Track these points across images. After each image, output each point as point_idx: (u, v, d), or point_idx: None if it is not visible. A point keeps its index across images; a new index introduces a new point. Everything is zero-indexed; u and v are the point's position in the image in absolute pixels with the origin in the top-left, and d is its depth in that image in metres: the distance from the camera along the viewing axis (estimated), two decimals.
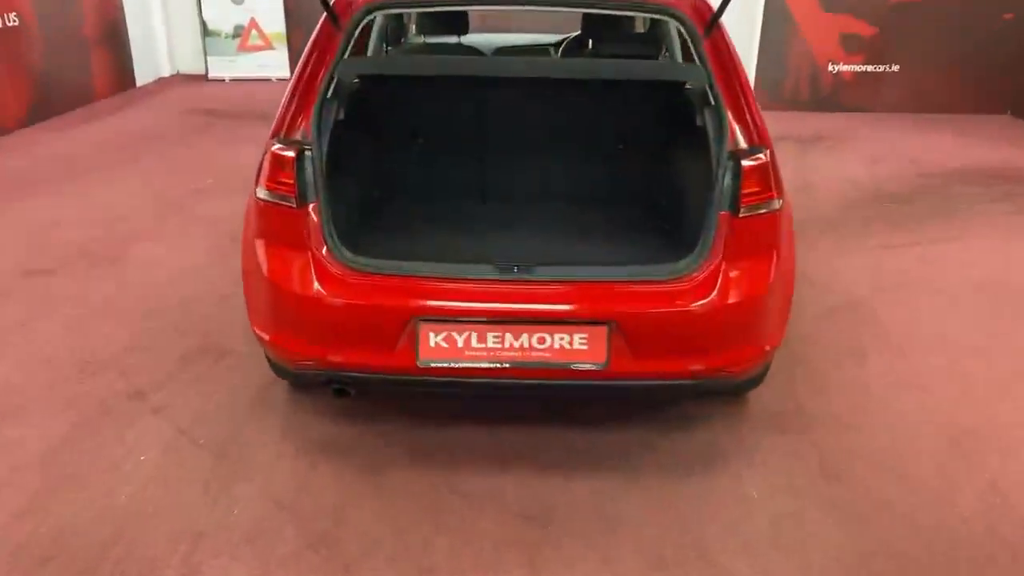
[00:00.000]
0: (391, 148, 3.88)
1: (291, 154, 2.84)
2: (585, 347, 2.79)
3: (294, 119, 2.96)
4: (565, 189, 3.91)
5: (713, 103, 2.94)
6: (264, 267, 2.94)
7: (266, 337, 3.01)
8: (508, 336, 2.79)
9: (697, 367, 2.86)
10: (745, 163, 2.81)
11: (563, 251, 3.25)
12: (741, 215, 2.82)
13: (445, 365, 2.80)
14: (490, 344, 2.79)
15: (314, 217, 2.87)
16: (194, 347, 3.98)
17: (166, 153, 7.59)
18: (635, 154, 3.84)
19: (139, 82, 10.75)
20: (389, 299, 2.79)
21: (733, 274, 2.86)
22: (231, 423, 3.40)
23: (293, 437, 3.32)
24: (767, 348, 2.97)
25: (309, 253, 2.88)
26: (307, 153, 2.87)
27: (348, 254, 2.87)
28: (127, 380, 3.72)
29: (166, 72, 11.49)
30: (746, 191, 2.80)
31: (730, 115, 2.93)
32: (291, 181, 2.83)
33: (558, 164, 3.87)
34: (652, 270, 2.87)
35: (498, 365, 2.80)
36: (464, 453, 3.22)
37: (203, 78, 11.34)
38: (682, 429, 3.36)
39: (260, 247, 2.98)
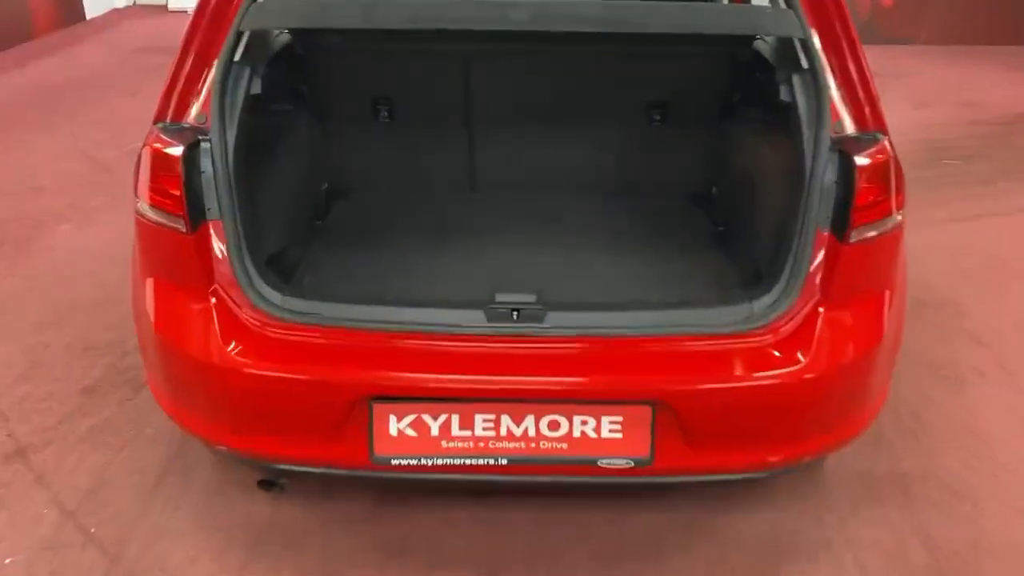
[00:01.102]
0: (343, 128, 2.94)
1: (176, 150, 1.89)
2: (619, 435, 1.91)
3: (185, 96, 2.00)
4: (580, 177, 2.98)
5: (808, 66, 1.98)
6: (150, 315, 2.03)
7: (162, 406, 2.13)
8: (506, 420, 1.91)
9: (777, 457, 1.99)
10: (859, 159, 1.87)
11: (583, 279, 2.34)
12: (853, 240, 1.89)
13: (412, 462, 1.92)
14: (479, 431, 1.92)
15: (217, 241, 1.95)
16: (102, 374, 3.09)
17: (108, 103, 6.52)
18: (676, 131, 2.89)
19: (89, 15, 9.55)
20: (328, 369, 1.90)
21: (835, 322, 1.96)
22: (136, 501, 2.54)
23: (218, 525, 2.46)
24: (871, 417, 2.10)
25: (211, 296, 1.97)
26: (203, 146, 1.92)
27: (269, 295, 1.96)
28: (6, 427, 2.84)
29: (121, 2, 10.27)
30: (861, 203, 1.87)
31: (834, 86, 1.97)
32: (177, 191, 1.89)
33: (570, 144, 2.93)
34: (715, 316, 1.96)
35: (491, 461, 1.93)
36: (452, 548, 2.37)
37: (164, 9, 10.14)
38: (738, 506, 2.49)
39: (147, 286, 2.07)
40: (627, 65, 2.70)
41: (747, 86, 2.65)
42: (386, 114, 2.87)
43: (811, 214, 1.91)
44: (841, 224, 1.90)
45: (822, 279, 1.94)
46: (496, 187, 2.98)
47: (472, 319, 1.94)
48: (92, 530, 2.44)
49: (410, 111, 2.86)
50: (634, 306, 2.03)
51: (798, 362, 1.91)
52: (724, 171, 2.74)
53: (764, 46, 2.26)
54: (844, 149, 1.90)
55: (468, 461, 1.92)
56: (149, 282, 2.08)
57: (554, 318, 1.94)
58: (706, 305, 2.02)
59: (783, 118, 2.13)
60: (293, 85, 2.71)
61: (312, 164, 2.72)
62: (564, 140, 2.88)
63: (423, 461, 1.92)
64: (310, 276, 2.32)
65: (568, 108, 2.82)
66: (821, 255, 1.93)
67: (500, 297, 2.14)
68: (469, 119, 2.85)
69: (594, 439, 1.90)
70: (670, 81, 2.74)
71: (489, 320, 1.94)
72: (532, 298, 2.15)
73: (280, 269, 2.30)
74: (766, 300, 1.96)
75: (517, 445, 1.91)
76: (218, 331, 1.94)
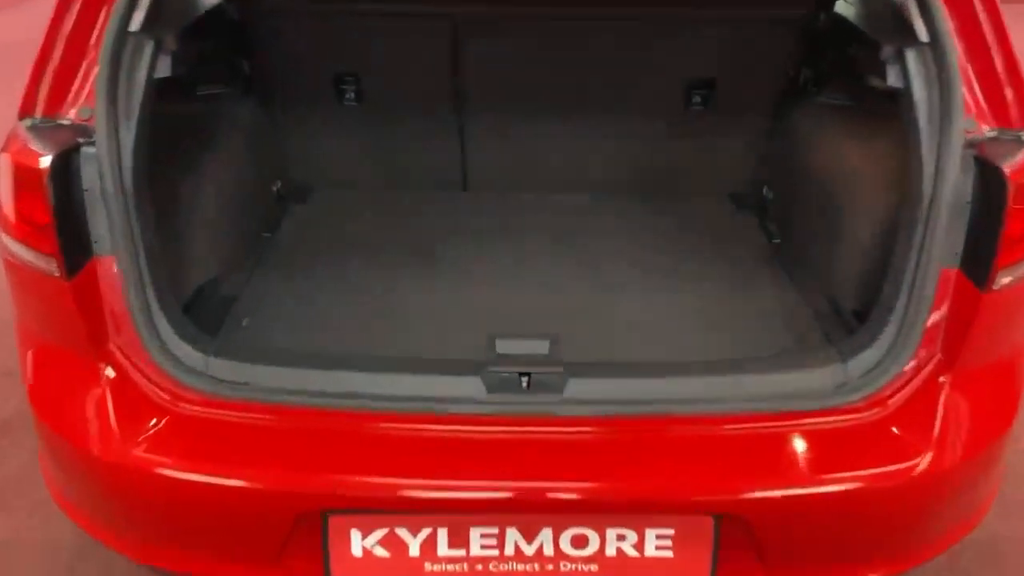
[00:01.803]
0: (297, 114, 2.35)
1: (43, 161, 1.33)
2: (669, 554, 1.39)
3: (62, 81, 1.43)
4: (600, 176, 2.43)
5: (928, 37, 1.42)
6: (29, 390, 1.50)
7: (55, 501, 1.59)
8: (513, 535, 1.38)
9: (875, 574, 1.48)
10: (1008, 167, 1.33)
11: (610, 320, 1.80)
12: (997, 285, 1.36)
13: None
14: (476, 550, 1.39)
15: (111, 285, 1.40)
16: (19, 407, 2.54)
17: None
18: (722, 118, 2.32)
19: None
20: (266, 471, 1.36)
21: (962, 396, 1.43)
22: None
23: None
24: (978, 521, 1.59)
25: (103, 362, 1.43)
26: (85, 152, 1.37)
27: (187, 357, 1.42)
28: None
29: None
30: (1014, 232, 1.33)
31: (965, 67, 1.42)
32: (46, 219, 1.33)
33: (587, 133, 2.36)
34: (797, 383, 1.44)
35: None
36: None
37: None
38: None
39: (24, 348, 1.53)
40: (661, 34, 2.11)
41: (822, 61, 2.08)
42: (352, 95, 2.28)
43: (933, 244, 1.38)
44: (979, 261, 1.37)
45: (946, 335, 1.42)
46: (494, 188, 2.41)
47: (465, 390, 1.41)
48: None
49: (383, 91, 2.27)
50: (685, 369, 1.49)
51: (915, 452, 1.38)
52: (784, 170, 2.18)
53: (848, 8, 1.69)
54: (983, 155, 1.36)
55: None
56: (25, 343, 1.53)
57: (578, 387, 1.41)
58: (783, 367, 1.49)
59: (881, 106, 1.58)
60: (228, 60, 2.12)
61: (256, 162, 2.15)
62: (579, 129, 2.34)
63: None
64: (250, 319, 1.77)
65: (585, 88, 2.23)
66: (947, 303, 1.40)
67: (502, 347, 1.61)
68: (460, 101, 2.27)
69: (635, 559, 1.38)
70: (717, 54, 2.15)
71: (489, 390, 1.41)
72: (544, 349, 1.62)
73: (208, 311, 1.75)
74: (866, 359, 1.43)
75: (529, 567, 1.39)
76: (112, 413, 1.40)
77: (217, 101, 2.05)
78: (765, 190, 2.27)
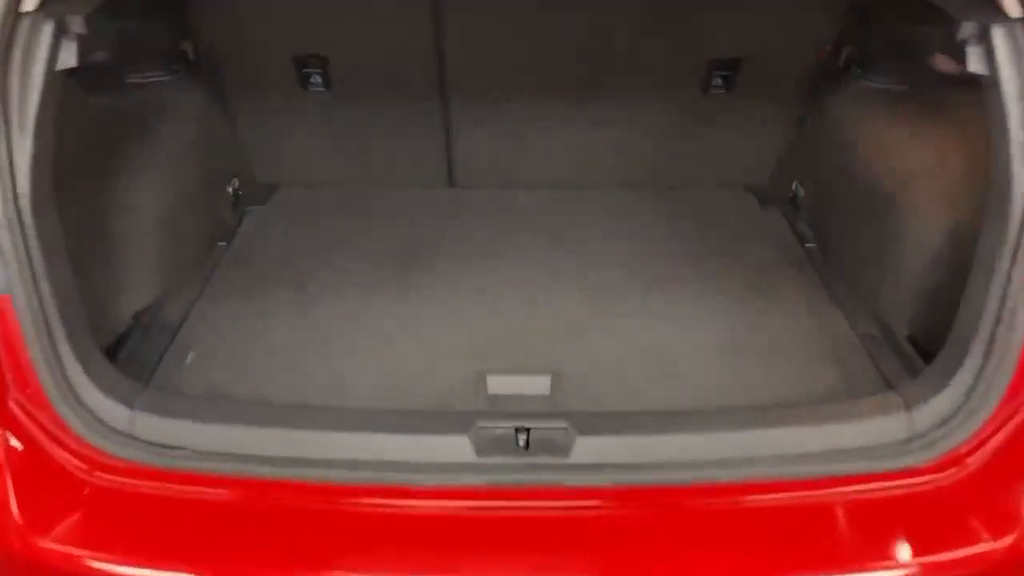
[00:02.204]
0: (255, 103, 2.04)
1: None
2: None
3: None
4: (605, 168, 2.14)
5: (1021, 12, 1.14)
6: None
7: None
8: None
9: None
10: None
11: (622, 349, 1.53)
12: None
13: None
14: None
15: (11, 329, 1.13)
16: None
17: None
18: (746, 102, 2.02)
19: None
20: (202, 566, 1.10)
21: None
22: None
23: None
24: None
25: (1, 425, 1.16)
26: None
27: (107, 413, 1.17)
28: None
29: None
30: None
31: None
32: None
33: (591, 120, 2.06)
34: (851, 437, 1.19)
35: None
36: None
37: None
38: None
39: None
40: (678, 6, 1.82)
41: (869, 38, 1.78)
42: (319, 80, 1.97)
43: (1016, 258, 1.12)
44: None
45: None
46: (484, 184, 2.13)
47: (450, 452, 1.16)
48: None
49: (356, 76, 1.97)
50: (717, 422, 1.23)
51: (1002, 529, 1.13)
52: (819, 164, 1.90)
53: None
54: None
55: None
56: None
57: (587, 448, 1.16)
58: (834, 417, 1.23)
59: (946, 93, 1.30)
60: (168, 42, 1.81)
61: (206, 159, 1.85)
62: (581, 116, 2.05)
63: None
64: (196, 353, 1.50)
65: (588, 70, 1.94)
66: None
67: (495, 386, 1.38)
68: (444, 85, 1.98)
69: None
70: (743, 29, 1.86)
71: (480, 452, 1.15)
72: (544, 387, 1.37)
73: (145, 346, 1.48)
74: (938, 406, 1.18)
75: None
76: (11, 491, 1.12)
77: (154, 90, 1.75)
78: (795, 185, 1.99)
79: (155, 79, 1.77)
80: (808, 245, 1.87)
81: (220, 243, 1.86)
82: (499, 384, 1.39)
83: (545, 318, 1.62)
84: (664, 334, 1.57)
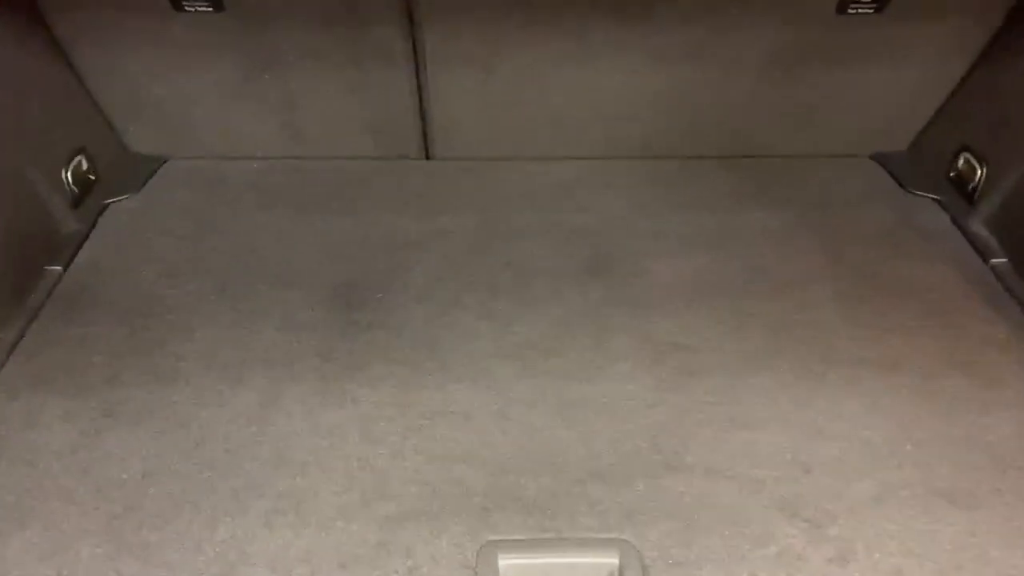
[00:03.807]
0: (96, 30, 1.27)
1: None
2: None
3: None
4: (643, 130, 1.41)
5: None
6: None
7: None
8: None
9: None
10: None
11: (713, 481, 0.86)
12: None
13: None
14: None
15: None
16: None
17: None
18: (899, 30, 1.27)
19: None
20: None
21: None
22: None
23: None
24: None
25: None
26: None
27: None
28: None
29: None
30: None
31: None
32: None
33: (641, 51, 1.30)
34: None
35: None
36: None
37: None
38: None
39: None
40: None
41: None
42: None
43: None
44: None
45: None
46: (475, 151, 1.41)
47: None
48: None
49: None
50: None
51: None
52: (1020, 131, 1.19)
53: None
54: None
55: None
56: None
57: None
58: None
59: None
60: None
61: (16, 127, 1.09)
62: (626, 47, 1.29)
63: None
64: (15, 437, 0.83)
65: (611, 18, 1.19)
66: None
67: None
68: (412, 4, 1.23)
69: None
70: None
71: None
72: None
73: None
74: None
75: None
76: None
77: None
78: (963, 160, 1.28)
79: None
80: (995, 261, 1.18)
81: (49, 267, 1.15)
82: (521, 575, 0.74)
83: (592, 423, 0.94)
84: (807, 455, 0.89)
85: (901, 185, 1.38)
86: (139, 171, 1.39)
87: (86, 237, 1.24)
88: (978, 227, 1.26)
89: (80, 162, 1.28)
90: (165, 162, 1.42)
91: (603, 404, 0.97)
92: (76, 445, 0.90)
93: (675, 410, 0.96)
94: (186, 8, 1.20)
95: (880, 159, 1.44)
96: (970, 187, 1.29)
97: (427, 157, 1.45)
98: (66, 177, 1.25)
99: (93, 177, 1.31)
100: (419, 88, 1.37)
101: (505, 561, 0.78)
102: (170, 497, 0.85)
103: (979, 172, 1.28)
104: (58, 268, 1.16)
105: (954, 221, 1.29)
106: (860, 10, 1.21)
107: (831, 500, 0.85)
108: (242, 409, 0.95)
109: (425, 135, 1.42)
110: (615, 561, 0.78)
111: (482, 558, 0.78)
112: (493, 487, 0.86)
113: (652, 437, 0.92)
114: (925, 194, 1.35)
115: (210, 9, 1.21)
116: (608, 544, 0.79)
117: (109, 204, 1.31)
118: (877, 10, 1.22)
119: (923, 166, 1.40)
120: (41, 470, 0.87)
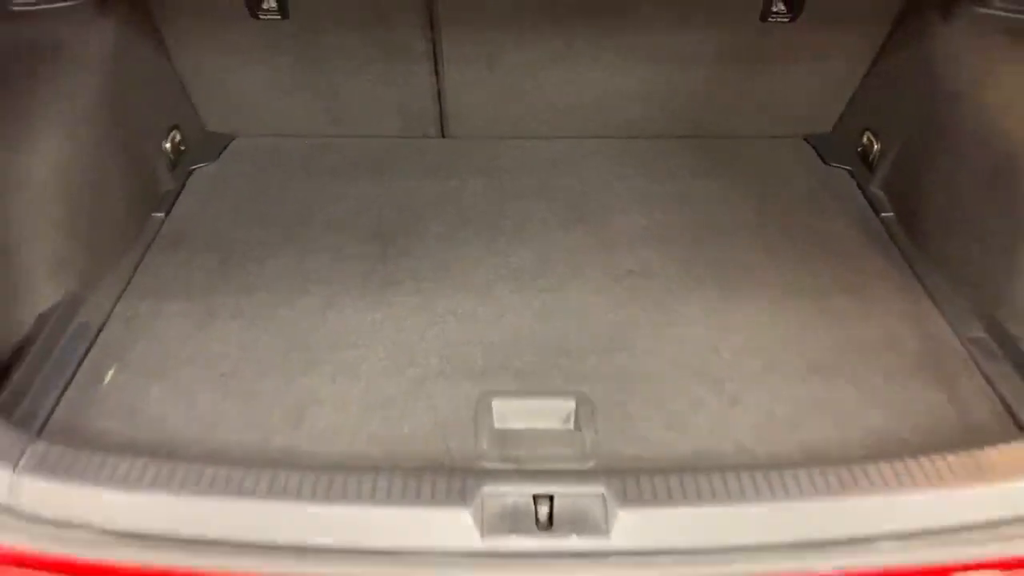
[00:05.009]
0: (192, 37, 1.65)
1: None
2: None
3: None
4: (632, 114, 1.76)
5: None
6: None
7: None
8: None
9: None
10: None
11: (654, 363, 1.20)
12: None
13: None
14: None
15: None
16: None
17: None
18: (813, 36, 1.64)
19: None
20: None
21: None
22: None
23: None
24: None
25: None
26: None
27: None
28: None
29: None
30: None
31: None
32: None
33: (616, 56, 1.67)
34: (986, 500, 0.88)
35: None
36: None
37: None
38: None
39: None
40: None
41: None
42: (273, 5, 1.59)
43: None
44: None
45: None
46: (483, 130, 1.76)
47: (445, 533, 0.84)
48: None
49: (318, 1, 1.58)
50: (816, 481, 0.91)
51: None
52: (903, 109, 1.52)
53: None
54: None
55: None
56: None
57: (636, 525, 0.84)
58: (964, 475, 0.91)
59: None
60: None
61: (129, 108, 1.48)
62: (601, 51, 1.66)
63: None
64: (117, 370, 1.16)
65: None
66: None
67: (503, 415, 1.09)
68: (433, 11, 1.59)
69: None
70: None
71: (486, 532, 0.84)
72: (567, 417, 1.06)
73: (42, 370, 1.13)
74: None
75: None
76: None
77: (51, 23, 1.36)
78: (866, 137, 1.62)
79: (49, 5, 1.37)
80: (884, 215, 1.51)
81: (156, 214, 1.50)
82: (509, 412, 1.08)
83: (565, 321, 1.28)
84: (719, 344, 1.23)
85: (823, 159, 1.72)
86: (215, 145, 1.74)
87: (179, 193, 1.59)
88: (875, 189, 1.59)
89: (175, 136, 1.63)
90: (234, 139, 1.77)
91: (573, 310, 1.31)
92: (190, 333, 1.25)
93: (626, 315, 1.30)
94: (261, 17, 1.56)
95: (809, 139, 1.77)
96: (870, 159, 1.63)
97: (443, 135, 1.79)
98: (165, 148, 1.61)
99: (184, 148, 1.66)
100: (436, 80, 1.72)
101: (497, 403, 1.11)
102: (260, 364, 1.19)
103: (876, 147, 1.61)
104: (161, 215, 1.52)
105: (858, 185, 1.62)
106: (778, 20, 1.56)
107: (732, 370, 1.19)
108: (308, 310, 1.30)
109: (441, 117, 1.77)
110: (572, 403, 1.11)
111: (481, 402, 1.11)
112: (491, 360, 1.20)
113: (607, 331, 1.26)
114: (840, 166, 1.69)
115: (278, 17, 1.57)
116: (569, 394, 1.13)
117: (195, 169, 1.67)
118: (791, 20, 1.56)
119: (840, 144, 1.73)
120: (167, 347, 1.22)
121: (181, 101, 1.69)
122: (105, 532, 0.86)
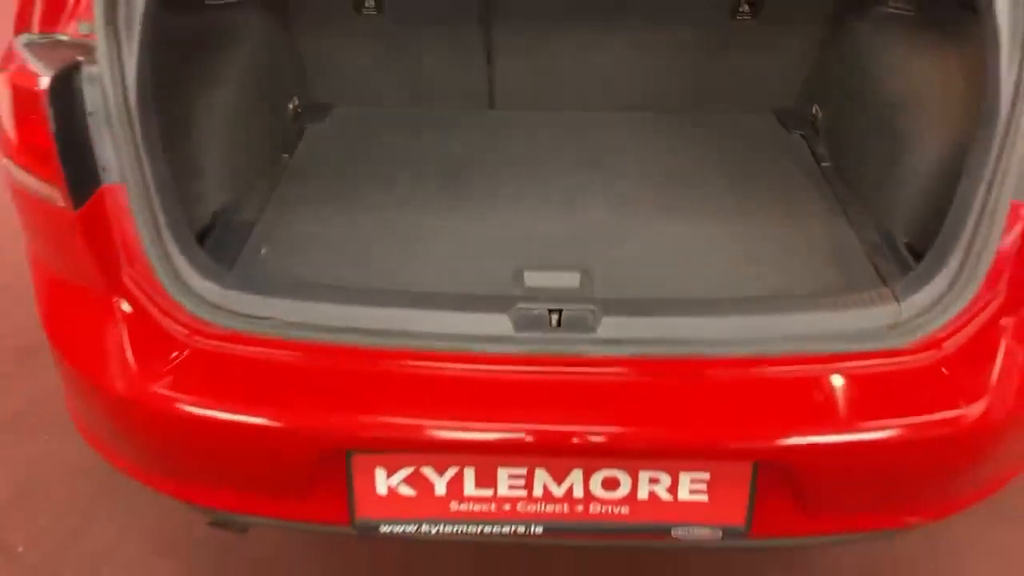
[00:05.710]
0: (314, 27, 2.22)
1: (41, 82, 1.24)
2: (704, 498, 1.34)
3: None
4: (637, 90, 2.28)
5: None
6: (43, 320, 1.46)
7: (80, 432, 1.58)
8: (542, 476, 1.34)
9: (918, 518, 1.43)
10: None
11: (647, 251, 1.71)
12: None
13: (409, 529, 1.37)
14: (504, 490, 1.35)
15: (121, 215, 1.33)
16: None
17: None
18: (771, 29, 2.16)
19: None
20: (286, 410, 1.31)
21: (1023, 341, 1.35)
22: (71, 516, 2.05)
23: (176, 550, 1.97)
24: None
25: (117, 296, 1.37)
26: (88, 72, 1.27)
27: (202, 289, 1.37)
28: None
29: None
30: None
31: None
32: (48, 144, 1.25)
33: (624, 46, 2.21)
34: (845, 322, 1.36)
35: (520, 529, 1.37)
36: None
37: None
38: None
39: (36, 280, 1.49)
40: None
41: None
42: (372, 4, 2.15)
43: (1006, 174, 1.26)
44: None
45: (1012, 275, 1.31)
46: (523, 105, 2.29)
47: (492, 327, 1.35)
48: (20, 548, 1.97)
49: (405, 1, 2.14)
50: (725, 307, 1.40)
51: (969, 399, 1.30)
52: (837, 86, 2.03)
53: None
54: None
55: (488, 528, 1.37)
56: (37, 275, 1.48)
57: (611, 326, 1.34)
58: (830, 306, 1.39)
59: (954, 17, 1.42)
60: None
61: (271, 78, 2.03)
62: (615, 41, 2.21)
63: (424, 528, 1.37)
64: (268, 248, 1.70)
65: None
66: (1015, 239, 1.29)
67: (531, 280, 1.54)
68: (486, 11, 2.14)
69: (668, 502, 1.34)
70: None
71: (518, 328, 1.34)
72: (575, 282, 1.54)
73: (225, 239, 1.68)
74: (922, 298, 1.34)
75: (558, 508, 1.35)
76: (128, 348, 1.35)
77: (228, 12, 1.92)
78: (815, 109, 2.11)
79: (223, 2, 1.94)
80: (824, 164, 2.01)
81: (284, 155, 2.06)
82: (535, 278, 1.57)
83: (576, 224, 1.79)
84: (685, 238, 1.74)
85: (786, 128, 2.20)
86: (323, 111, 2.29)
87: (297, 143, 2.15)
88: (820, 148, 2.07)
89: (295, 100, 2.18)
90: (334, 107, 2.33)
91: (587, 221, 1.80)
92: (319, 230, 1.77)
93: (617, 225, 1.79)
94: (363, 12, 2.13)
95: (776, 113, 2.25)
96: (817, 125, 2.12)
97: (492, 108, 2.32)
98: (289, 109, 2.16)
99: (300, 111, 2.21)
100: (488, 65, 2.24)
101: (528, 272, 1.60)
102: (368, 243, 1.71)
103: (820, 115, 2.10)
104: (287, 156, 2.07)
105: (809, 146, 2.11)
106: (744, 19, 2.07)
107: (700, 260, 1.66)
108: (399, 214, 1.81)
109: (491, 95, 2.30)
110: (578, 274, 1.59)
111: (516, 273, 1.60)
112: (526, 249, 1.71)
113: (605, 232, 1.74)
114: (798, 132, 2.17)
115: (376, 12, 2.13)
116: (577, 267, 1.60)
117: (307, 127, 2.22)
118: (753, 16, 2.07)
119: (798, 116, 2.20)
120: (300, 235, 1.75)
121: (300, 75, 2.25)
122: (280, 322, 1.38)
